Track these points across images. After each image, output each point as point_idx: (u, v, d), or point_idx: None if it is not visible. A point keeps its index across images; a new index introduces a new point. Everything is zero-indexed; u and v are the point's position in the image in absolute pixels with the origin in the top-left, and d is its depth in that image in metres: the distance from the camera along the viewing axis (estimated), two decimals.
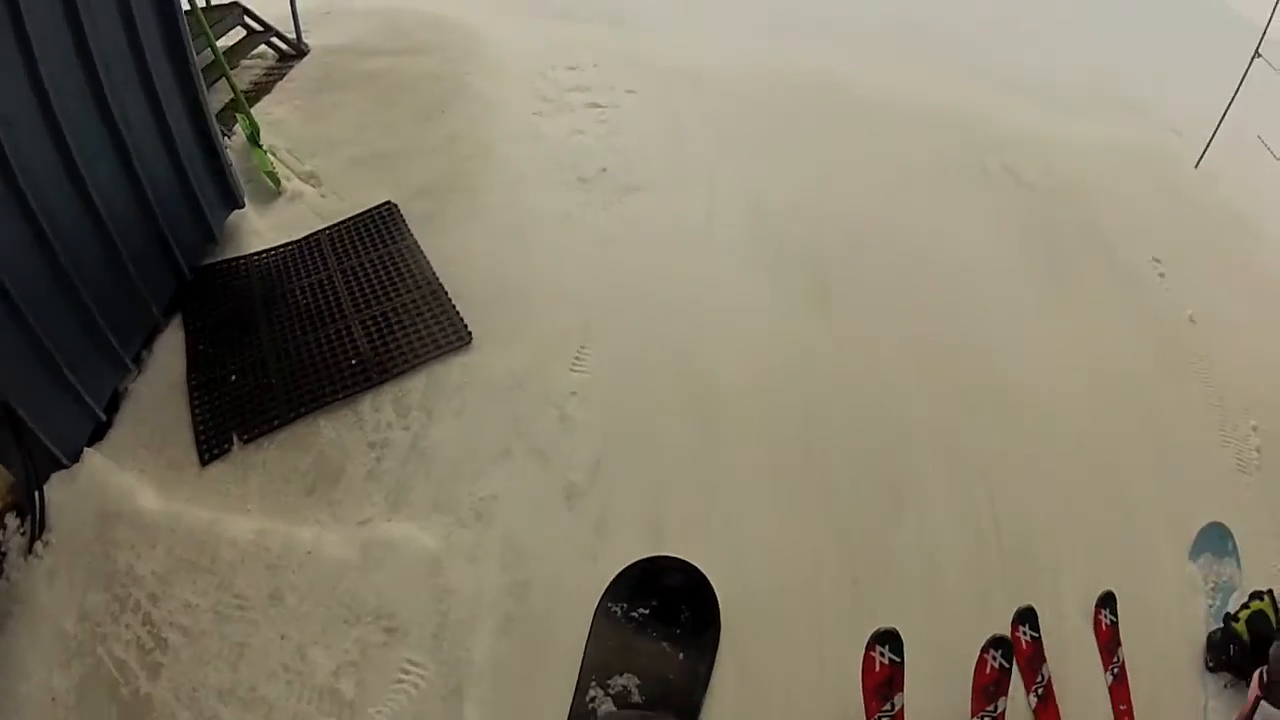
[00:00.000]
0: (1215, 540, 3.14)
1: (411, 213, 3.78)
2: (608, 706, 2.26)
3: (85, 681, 2.32)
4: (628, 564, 2.50)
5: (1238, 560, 3.11)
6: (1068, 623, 2.76)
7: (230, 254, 3.62)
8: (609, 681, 2.30)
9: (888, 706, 2.24)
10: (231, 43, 4.77)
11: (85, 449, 2.76)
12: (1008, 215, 4.41)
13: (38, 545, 2.54)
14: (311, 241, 3.68)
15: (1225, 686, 2.77)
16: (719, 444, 2.93)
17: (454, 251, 3.55)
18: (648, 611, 2.45)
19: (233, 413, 2.95)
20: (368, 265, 3.52)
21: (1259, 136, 4.77)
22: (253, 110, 4.32)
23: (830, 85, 5.01)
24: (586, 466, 2.75)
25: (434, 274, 3.43)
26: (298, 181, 4.02)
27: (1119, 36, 7.42)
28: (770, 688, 2.39)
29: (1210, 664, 2.83)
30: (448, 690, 2.26)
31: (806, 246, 3.82)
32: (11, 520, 2.52)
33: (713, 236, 3.79)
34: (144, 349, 3.19)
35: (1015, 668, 2.47)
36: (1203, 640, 2.88)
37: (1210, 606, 2.99)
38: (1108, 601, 2.84)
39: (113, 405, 2.96)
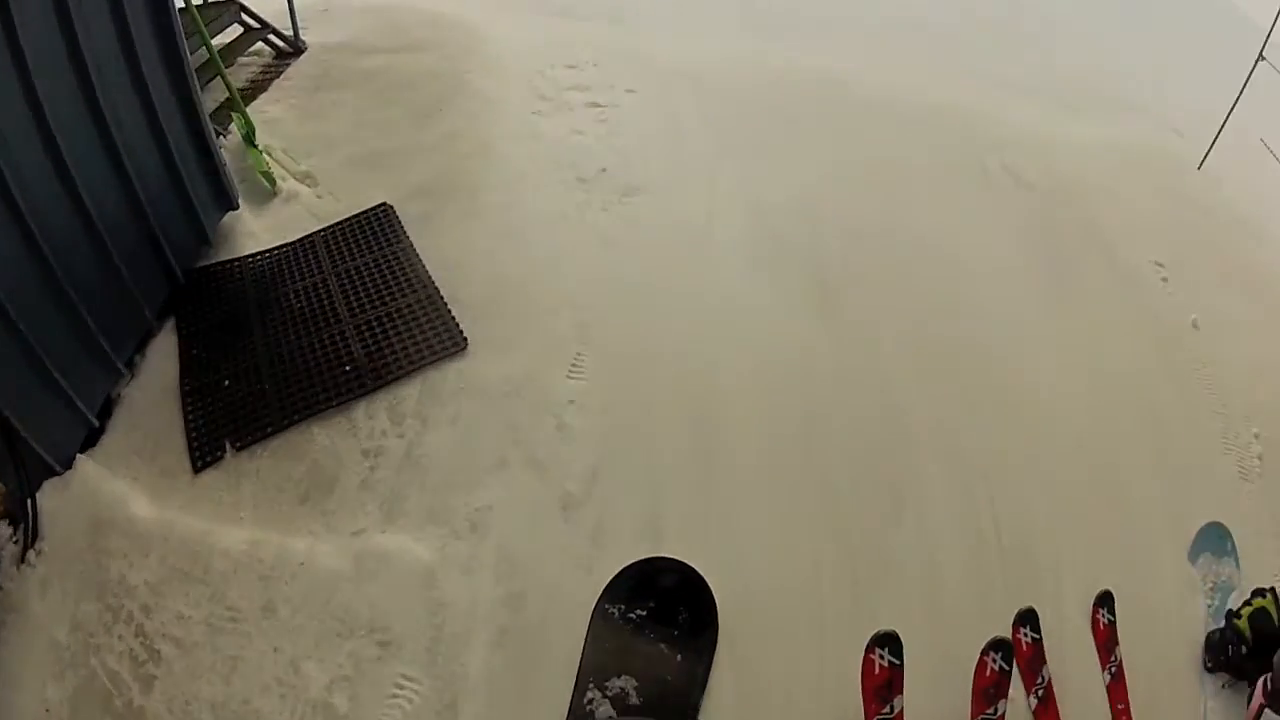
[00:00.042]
0: (1214, 540, 3.15)
1: (408, 213, 3.74)
2: (605, 709, 2.26)
3: (79, 693, 2.30)
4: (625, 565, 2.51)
5: (1236, 560, 3.12)
6: (1068, 624, 2.78)
7: (224, 256, 3.58)
8: (607, 683, 2.31)
9: (887, 709, 2.25)
10: (228, 40, 4.71)
11: (78, 455, 2.73)
12: (1007, 215, 4.42)
13: (30, 554, 2.51)
14: (306, 244, 3.65)
15: (1223, 687, 2.79)
16: (718, 447, 2.92)
17: (450, 254, 3.52)
18: (645, 613, 2.45)
19: (226, 419, 2.92)
20: (363, 268, 3.49)
21: (1261, 140, 4.74)
22: (249, 108, 4.28)
23: (831, 84, 4.99)
24: (583, 476, 2.73)
25: (429, 277, 3.40)
26: (293, 181, 3.98)
27: (1119, 36, 7.40)
28: (769, 689, 2.40)
29: (1209, 664, 2.85)
30: (442, 705, 2.24)
31: (806, 246, 3.81)
32: (4, 529, 2.49)
33: (713, 236, 3.77)
34: (137, 353, 3.15)
35: (1015, 670, 2.47)
36: (1201, 641, 2.90)
37: (1209, 606, 3.01)
38: (1105, 600, 2.86)
39: (105, 410, 2.93)
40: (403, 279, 3.41)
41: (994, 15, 7.16)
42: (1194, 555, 3.12)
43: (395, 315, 3.24)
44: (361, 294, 3.37)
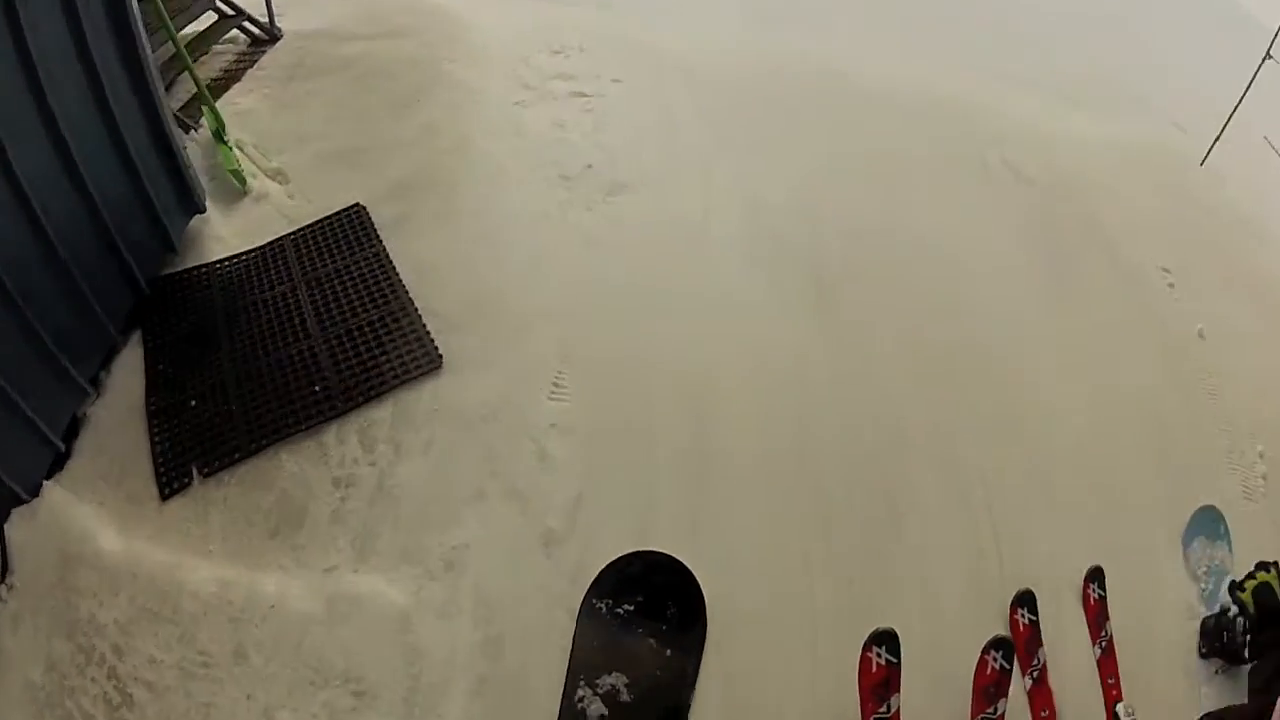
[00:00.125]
0: (1208, 524, 3.16)
1: (382, 215, 3.57)
2: (597, 706, 2.25)
3: None
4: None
5: (1229, 544, 3.14)
6: (1068, 635, 2.77)
7: (191, 263, 3.42)
8: (597, 681, 2.30)
9: (884, 708, 2.25)
10: (201, 28, 4.49)
11: (45, 482, 2.63)
12: (1007, 211, 4.36)
13: (1, 589, 2.44)
14: (276, 248, 3.48)
15: (1217, 673, 2.82)
16: (709, 454, 2.86)
17: (425, 258, 3.36)
18: (633, 608, 2.44)
19: (193, 442, 2.80)
20: (334, 275, 3.33)
21: (1265, 138, 4.63)
22: (222, 99, 4.10)
23: (829, 76, 4.84)
24: (565, 508, 2.62)
25: (403, 286, 3.25)
26: (264, 179, 3.80)
27: (1121, 30, 7.28)
28: (763, 687, 2.39)
29: (1203, 650, 2.88)
30: None
31: (805, 244, 3.72)
32: None
33: (709, 234, 3.65)
34: (102, 369, 3.01)
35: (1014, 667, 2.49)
36: (1196, 627, 2.92)
37: (1203, 591, 3.02)
38: (1096, 576, 2.88)
39: (71, 432, 2.81)
40: (375, 288, 3.25)
41: (995, 6, 6.98)
42: (1188, 540, 3.12)
43: (367, 328, 3.10)
44: (332, 305, 3.22)
